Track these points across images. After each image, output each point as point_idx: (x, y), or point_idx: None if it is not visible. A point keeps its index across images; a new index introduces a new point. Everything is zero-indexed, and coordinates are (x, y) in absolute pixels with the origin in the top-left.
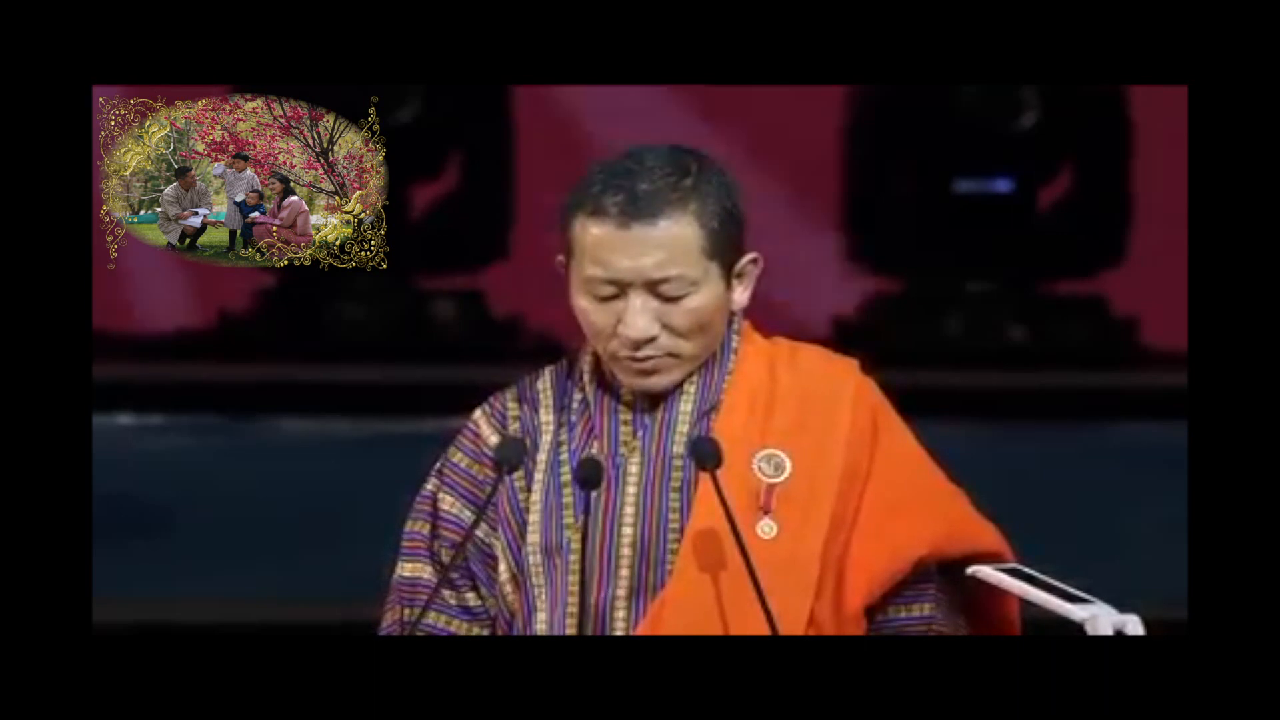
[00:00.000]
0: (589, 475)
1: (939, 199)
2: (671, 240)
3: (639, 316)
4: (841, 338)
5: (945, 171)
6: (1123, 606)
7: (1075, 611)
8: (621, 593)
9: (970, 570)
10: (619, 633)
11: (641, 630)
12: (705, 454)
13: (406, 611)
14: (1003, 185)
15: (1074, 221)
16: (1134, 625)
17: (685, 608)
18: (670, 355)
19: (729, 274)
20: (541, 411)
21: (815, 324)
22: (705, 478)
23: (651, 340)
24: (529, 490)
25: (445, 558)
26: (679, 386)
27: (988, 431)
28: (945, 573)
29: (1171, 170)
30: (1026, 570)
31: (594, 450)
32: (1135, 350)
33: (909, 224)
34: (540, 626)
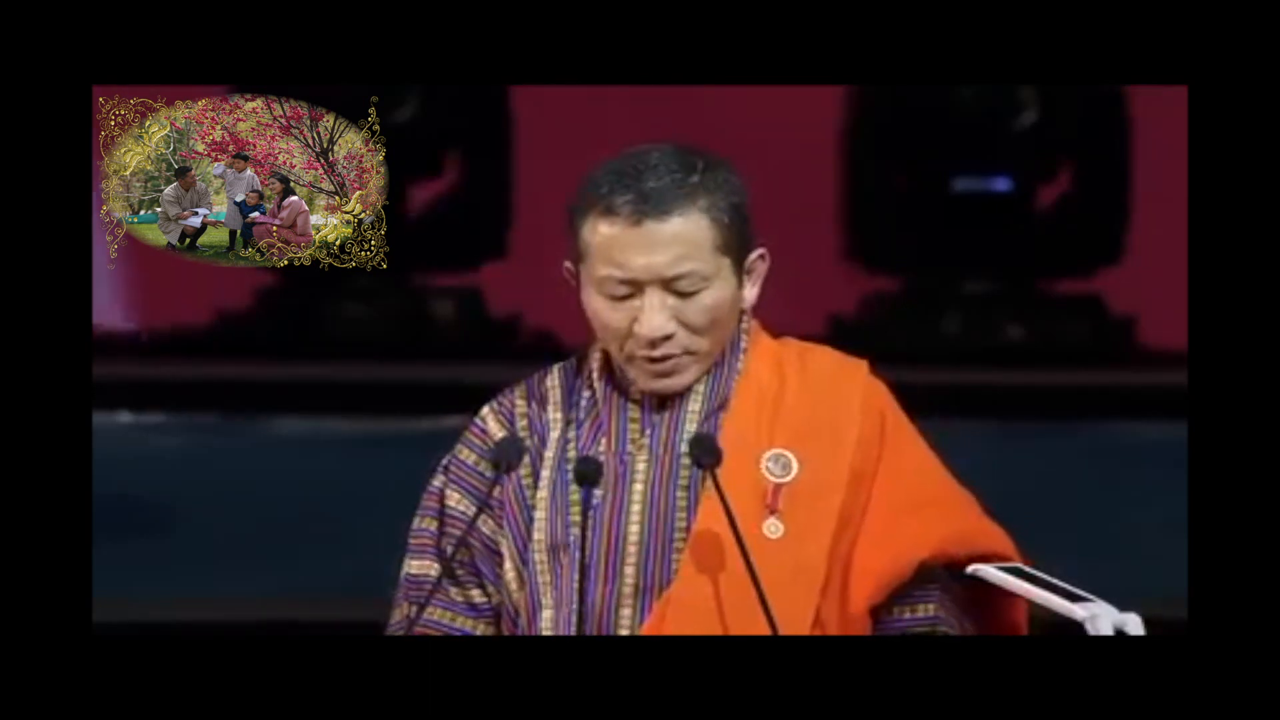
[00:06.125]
0: (587, 473)
1: (937, 198)
2: (685, 236)
3: (656, 314)
4: (839, 336)
5: (944, 170)
6: (1123, 605)
7: (1075, 610)
8: (627, 591)
9: (971, 569)
10: (624, 631)
11: (646, 629)
12: (704, 451)
13: (414, 609)
14: (1001, 184)
15: (1073, 220)
16: (1134, 624)
17: (690, 607)
18: (688, 353)
19: (740, 270)
20: (550, 409)
21: (813, 323)
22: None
23: (669, 338)
24: (536, 488)
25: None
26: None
27: (986, 431)
28: (954, 576)
29: (1171, 170)
30: (1027, 569)
31: (601, 448)
32: (1134, 349)
33: (907, 223)
34: (545, 624)
